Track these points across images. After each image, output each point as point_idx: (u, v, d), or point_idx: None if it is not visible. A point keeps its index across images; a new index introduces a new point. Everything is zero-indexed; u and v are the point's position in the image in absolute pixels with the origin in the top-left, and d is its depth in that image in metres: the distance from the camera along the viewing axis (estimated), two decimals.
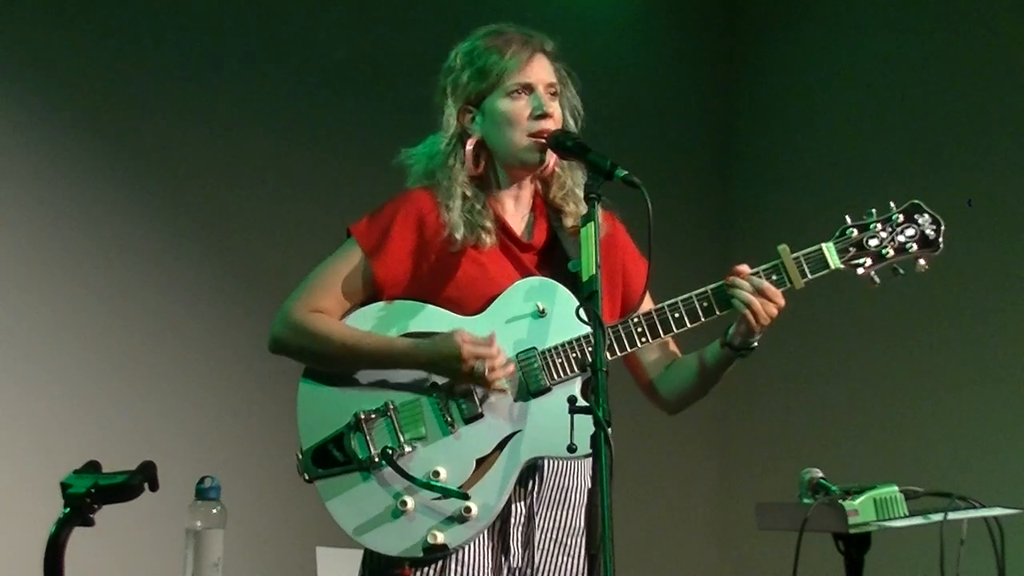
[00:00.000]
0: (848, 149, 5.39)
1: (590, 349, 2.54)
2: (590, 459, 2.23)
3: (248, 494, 4.11)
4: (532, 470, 2.62)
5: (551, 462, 2.63)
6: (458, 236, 2.64)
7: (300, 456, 2.63)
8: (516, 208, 2.75)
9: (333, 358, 2.64)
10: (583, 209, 2.58)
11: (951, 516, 2.58)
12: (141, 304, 4.61)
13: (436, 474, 2.57)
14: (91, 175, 4.59)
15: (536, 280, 2.66)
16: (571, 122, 2.73)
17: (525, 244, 2.72)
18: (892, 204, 2.68)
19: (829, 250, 2.64)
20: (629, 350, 2.64)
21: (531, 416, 2.59)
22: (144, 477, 2.37)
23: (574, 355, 2.59)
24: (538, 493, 2.64)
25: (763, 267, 2.63)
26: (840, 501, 2.59)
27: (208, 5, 4.87)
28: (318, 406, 2.64)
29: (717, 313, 2.63)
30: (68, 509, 2.32)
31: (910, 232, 2.66)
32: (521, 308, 2.63)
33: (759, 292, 2.59)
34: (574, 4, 5.56)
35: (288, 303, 2.70)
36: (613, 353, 2.60)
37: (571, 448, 2.33)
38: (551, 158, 2.68)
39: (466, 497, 2.55)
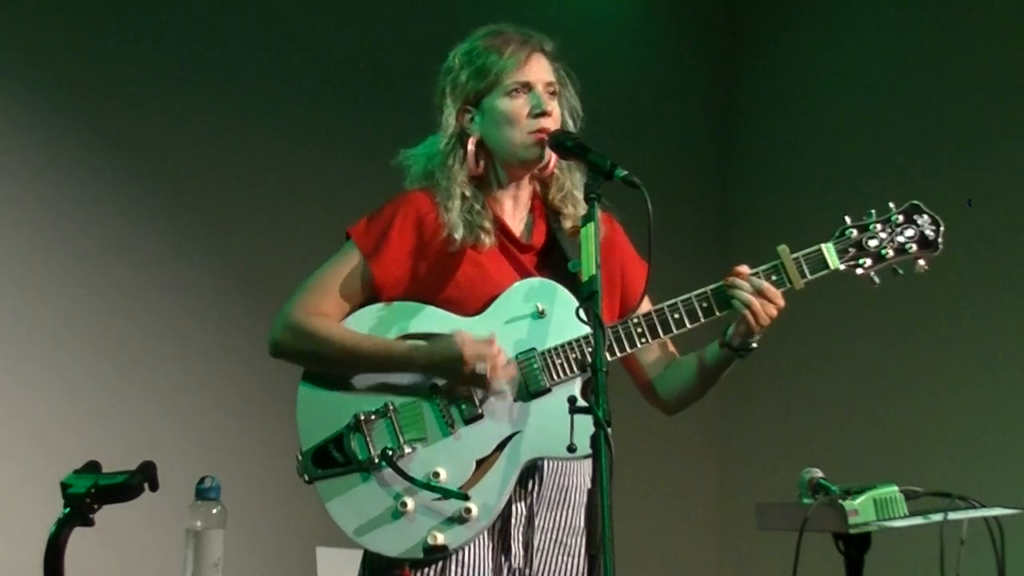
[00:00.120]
0: (848, 149, 5.40)
1: (590, 349, 2.54)
2: (590, 459, 2.23)
3: (248, 494, 4.12)
4: (532, 470, 2.62)
5: (551, 462, 2.63)
6: (457, 237, 2.64)
7: (300, 457, 2.62)
8: (515, 209, 2.75)
9: (333, 361, 2.64)
10: (582, 211, 2.59)
11: (951, 516, 2.58)
12: (141, 304, 4.61)
13: (436, 475, 2.57)
14: (91, 175, 4.59)
15: (536, 281, 2.66)
16: (570, 122, 2.72)
17: (524, 245, 2.72)
18: (891, 205, 2.68)
19: (829, 251, 2.64)
20: (629, 351, 2.64)
21: (531, 416, 2.58)
22: (144, 477, 2.38)
23: (574, 355, 2.59)
24: (538, 493, 2.63)
25: (763, 267, 2.63)
26: (840, 501, 2.59)
27: (208, 5, 4.88)
28: (318, 407, 2.64)
29: (717, 314, 2.63)
30: (68, 509, 2.32)
31: (909, 232, 2.67)
32: (521, 309, 2.63)
33: (759, 292, 2.59)
34: (574, 4, 5.56)
35: (287, 307, 2.69)
36: (613, 354, 2.60)
37: (571, 448, 2.33)
38: (551, 157, 2.68)
39: (466, 498, 2.55)
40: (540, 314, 2.63)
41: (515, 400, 2.59)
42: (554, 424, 2.49)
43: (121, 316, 4.57)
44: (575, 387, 2.59)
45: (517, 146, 2.67)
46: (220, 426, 4.66)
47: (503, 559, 2.61)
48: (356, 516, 2.58)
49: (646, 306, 2.67)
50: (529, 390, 2.59)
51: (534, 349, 2.60)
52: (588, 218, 2.41)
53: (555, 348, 2.60)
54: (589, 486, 2.24)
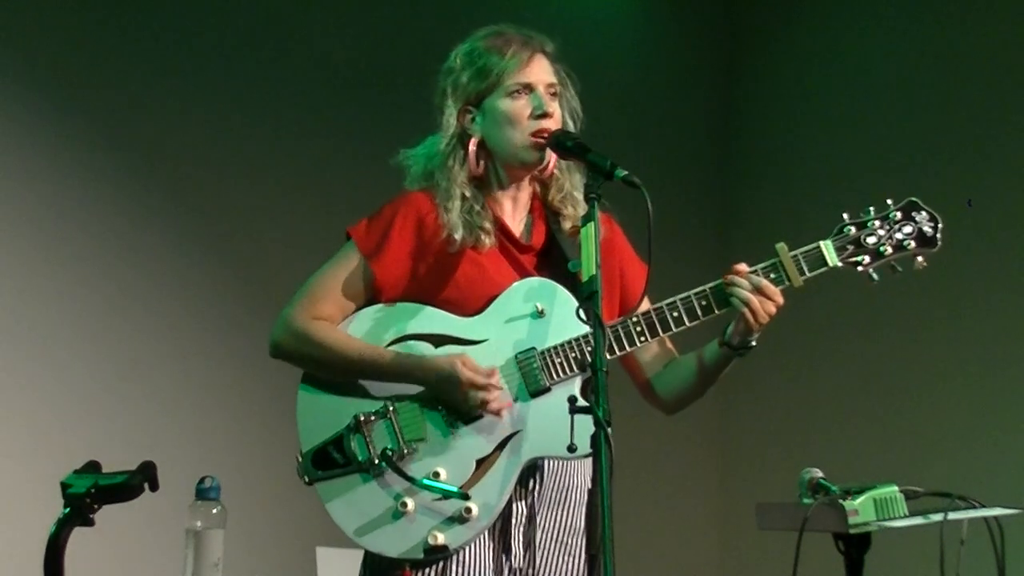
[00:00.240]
0: (848, 149, 5.40)
1: (589, 349, 2.54)
2: (590, 459, 2.23)
3: (248, 494, 4.12)
4: (532, 470, 2.61)
5: (551, 462, 2.63)
6: (457, 237, 2.64)
7: (300, 458, 2.62)
8: (514, 209, 2.75)
9: (333, 367, 2.64)
10: (581, 211, 2.59)
11: (951, 516, 2.58)
12: (141, 304, 4.61)
13: (436, 475, 2.57)
14: (91, 175, 4.59)
15: (535, 281, 2.66)
16: (570, 123, 2.72)
17: (524, 245, 2.72)
18: (889, 201, 2.68)
19: (827, 248, 2.64)
20: (628, 349, 2.64)
21: (531, 416, 2.58)
22: (144, 477, 2.38)
23: (573, 355, 2.59)
24: (539, 493, 2.63)
25: (761, 265, 2.63)
26: (840, 501, 2.59)
27: (208, 5, 4.88)
28: (318, 408, 2.64)
29: (716, 312, 2.63)
30: (68, 509, 2.32)
31: (908, 229, 2.66)
32: (520, 309, 2.63)
33: (758, 290, 2.59)
34: (574, 4, 5.56)
35: (288, 309, 2.69)
36: (612, 352, 2.60)
37: (571, 448, 2.33)
38: (551, 158, 2.68)
39: (466, 497, 2.55)
40: (540, 314, 2.63)
41: (515, 400, 2.59)
42: (554, 424, 2.49)
43: (121, 316, 4.57)
44: (575, 387, 2.59)
45: (518, 147, 2.66)
46: (220, 426, 4.66)
47: (504, 559, 2.61)
48: (356, 517, 2.58)
49: (645, 307, 2.67)
50: (529, 389, 2.59)
51: (534, 349, 2.60)
52: (588, 218, 2.41)
53: (555, 347, 2.59)
54: (589, 486, 2.24)
